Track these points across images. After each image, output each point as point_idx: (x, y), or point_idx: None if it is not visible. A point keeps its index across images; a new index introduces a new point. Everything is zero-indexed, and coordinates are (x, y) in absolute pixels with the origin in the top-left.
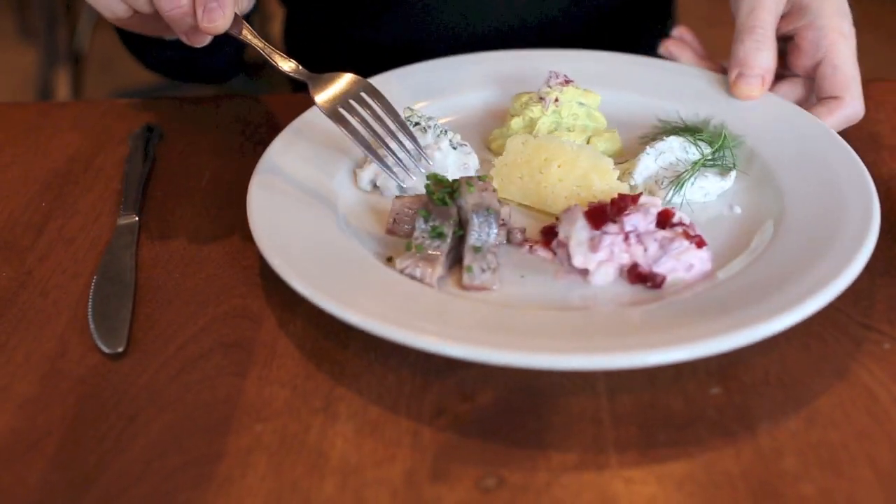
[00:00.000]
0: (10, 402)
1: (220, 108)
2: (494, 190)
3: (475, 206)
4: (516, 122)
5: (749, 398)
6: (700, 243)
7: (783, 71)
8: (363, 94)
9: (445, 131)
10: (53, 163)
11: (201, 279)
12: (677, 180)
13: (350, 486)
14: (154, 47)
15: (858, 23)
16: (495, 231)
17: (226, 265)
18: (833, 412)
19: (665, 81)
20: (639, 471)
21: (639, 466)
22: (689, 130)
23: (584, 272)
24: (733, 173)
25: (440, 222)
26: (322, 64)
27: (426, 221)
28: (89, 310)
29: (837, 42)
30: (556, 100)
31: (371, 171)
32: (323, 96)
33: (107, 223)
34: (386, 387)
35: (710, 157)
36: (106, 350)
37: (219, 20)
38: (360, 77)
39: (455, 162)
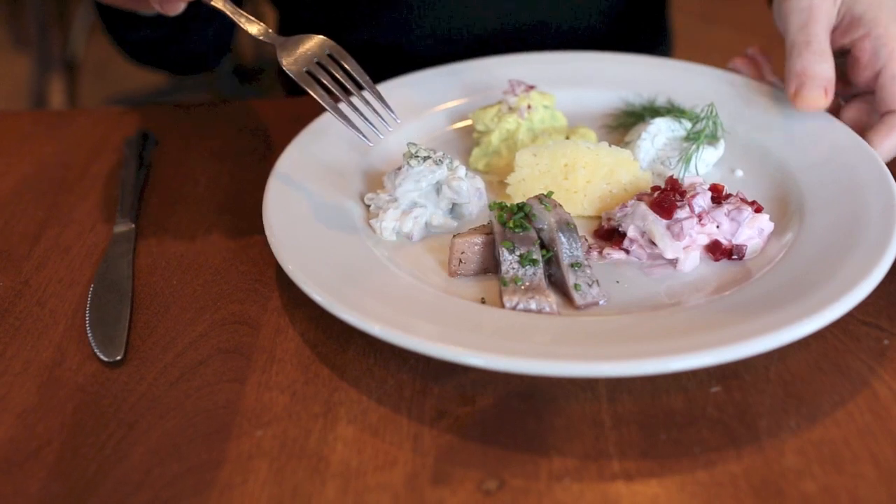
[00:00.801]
0: (9, 411)
1: (213, 113)
2: (560, 205)
3: (558, 224)
4: (496, 137)
5: (750, 396)
6: (758, 208)
7: (844, 90)
8: (330, 55)
9: (452, 160)
10: (48, 171)
11: (199, 285)
12: (686, 157)
13: (351, 491)
14: (133, 27)
15: None
16: (579, 244)
17: (223, 271)
18: (834, 409)
19: (619, 73)
20: (640, 471)
21: (640, 467)
22: (670, 111)
23: (675, 261)
24: (722, 141)
25: (526, 249)
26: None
27: (511, 252)
28: (87, 318)
29: None
30: (529, 107)
31: (390, 218)
32: (290, 59)
33: (103, 231)
34: (386, 391)
35: (703, 130)
36: (104, 358)
37: None
38: (327, 38)
39: (469, 188)
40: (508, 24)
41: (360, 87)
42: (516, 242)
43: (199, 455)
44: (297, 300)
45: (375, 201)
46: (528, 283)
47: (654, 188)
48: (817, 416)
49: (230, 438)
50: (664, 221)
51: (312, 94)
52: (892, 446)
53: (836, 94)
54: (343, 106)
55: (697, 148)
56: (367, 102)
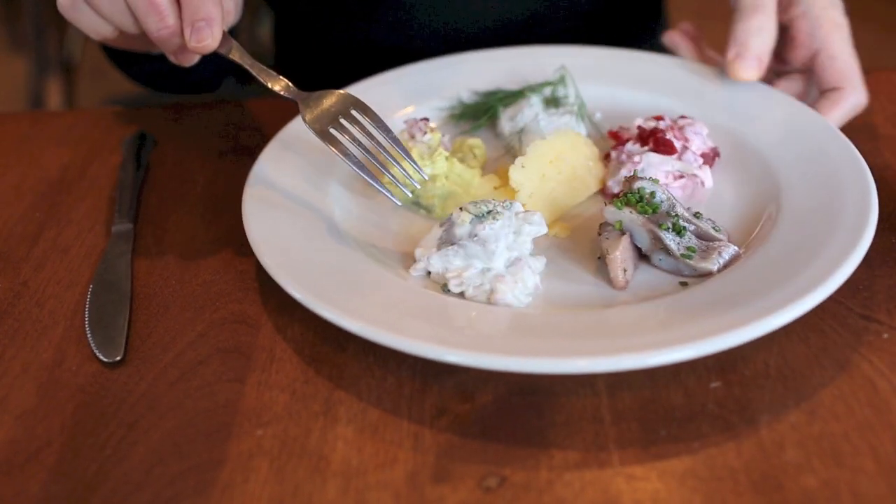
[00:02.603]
0: (9, 413)
1: (211, 114)
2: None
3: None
4: (442, 186)
5: (749, 391)
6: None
7: (780, 67)
8: (353, 112)
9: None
10: (46, 172)
11: (198, 285)
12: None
13: (352, 489)
14: (139, 61)
15: (850, 14)
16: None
17: (222, 271)
18: (834, 404)
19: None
20: (640, 467)
21: (640, 463)
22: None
23: (702, 181)
24: (576, 108)
25: (670, 221)
26: (313, 65)
27: (669, 230)
28: (86, 319)
29: (832, 32)
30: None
31: (506, 290)
32: (313, 116)
33: (101, 232)
34: (385, 389)
35: (552, 97)
36: (104, 359)
37: (207, 39)
38: (349, 93)
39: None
40: (503, 18)
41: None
42: (662, 221)
43: (199, 454)
44: (296, 300)
45: (456, 281)
46: (701, 245)
47: (618, 142)
48: (817, 410)
49: (230, 438)
50: (674, 157)
51: (337, 153)
52: (891, 440)
53: (769, 69)
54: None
55: (527, 100)
56: (392, 159)
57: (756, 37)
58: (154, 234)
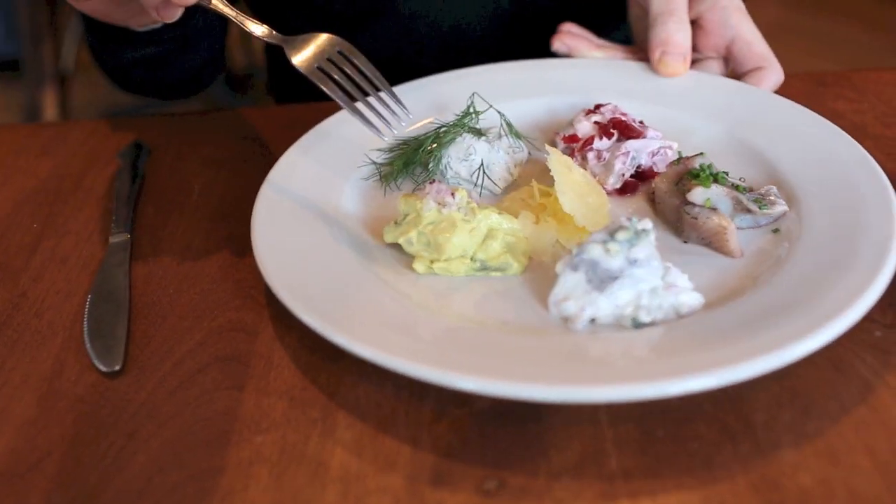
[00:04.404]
0: (9, 423)
1: (206, 122)
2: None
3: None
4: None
5: (745, 392)
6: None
7: (693, 54)
8: (340, 52)
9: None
10: (43, 183)
11: (196, 294)
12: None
13: (352, 495)
14: (126, 47)
15: (839, 13)
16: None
17: (219, 279)
18: (828, 402)
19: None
20: (638, 468)
21: (638, 464)
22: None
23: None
24: (492, 131)
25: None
26: (307, 81)
27: (742, 191)
28: (84, 329)
29: (742, 20)
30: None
31: (607, 304)
32: (300, 57)
33: (99, 242)
34: (384, 394)
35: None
36: (103, 368)
37: None
38: (335, 35)
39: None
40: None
41: (371, 83)
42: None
43: (199, 463)
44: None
45: (643, 312)
46: (757, 195)
47: (582, 143)
48: (812, 409)
49: (230, 445)
50: (642, 140)
51: (326, 90)
52: (886, 438)
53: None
54: (357, 103)
55: (452, 134)
56: (379, 99)
57: (676, 34)
58: (151, 244)
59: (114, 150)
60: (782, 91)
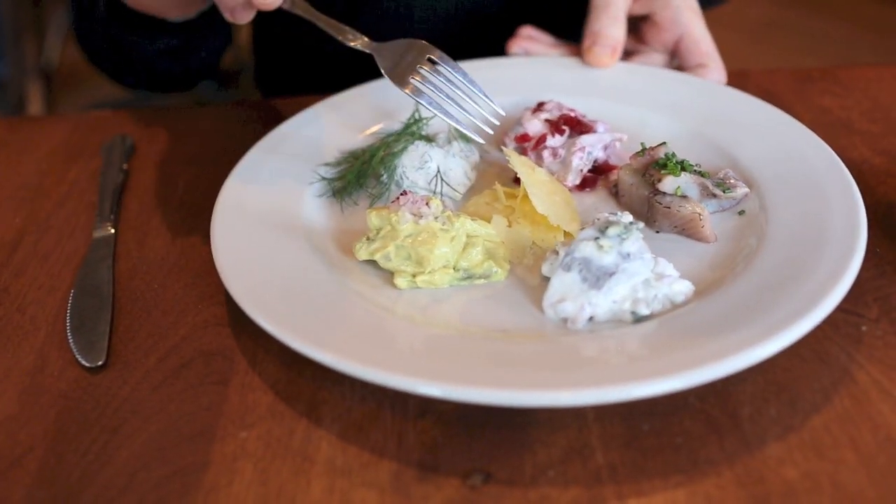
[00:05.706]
0: None
1: (191, 117)
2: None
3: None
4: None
5: (730, 385)
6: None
7: (640, 46)
8: (430, 58)
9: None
10: (25, 178)
11: (180, 289)
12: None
13: (337, 489)
14: (157, 36)
15: (824, 12)
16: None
17: (204, 274)
18: (814, 396)
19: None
20: (624, 462)
21: (624, 458)
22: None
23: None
24: (441, 136)
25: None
26: (294, 75)
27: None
28: (67, 324)
29: (693, 18)
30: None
31: (603, 301)
32: (391, 67)
33: (82, 237)
34: (369, 389)
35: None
36: (86, 364)
37: None
38: (421, 41)
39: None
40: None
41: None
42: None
43: (183, 458)
44: None
45: (641, 306)
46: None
47: (535, 141)
48: (797, 402)
49: (214, 440)
50: (595, 134)
51: (423, 104)
52: (871, 431)
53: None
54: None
55: (403, 144)
56: (472, 101)
57: (609, 28)
58: (135, 239)
59: (98, 145)
60: (769, 86)
